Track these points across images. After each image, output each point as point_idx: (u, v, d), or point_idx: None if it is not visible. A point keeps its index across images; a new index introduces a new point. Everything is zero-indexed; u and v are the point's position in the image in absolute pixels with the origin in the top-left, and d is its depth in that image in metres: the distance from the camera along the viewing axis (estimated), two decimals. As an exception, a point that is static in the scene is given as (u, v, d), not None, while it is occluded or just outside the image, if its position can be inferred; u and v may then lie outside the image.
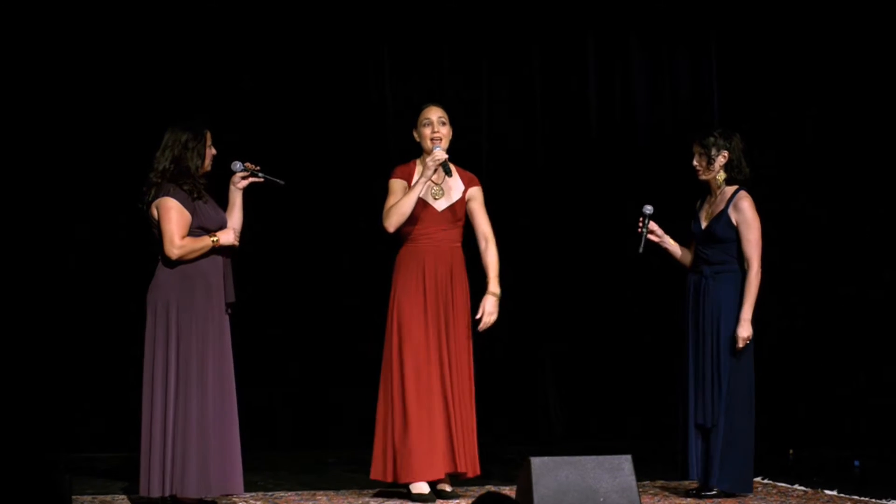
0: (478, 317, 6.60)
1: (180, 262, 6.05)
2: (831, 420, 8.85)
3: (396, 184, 6.61)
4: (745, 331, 6.57)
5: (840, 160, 8.96)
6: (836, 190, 8.97)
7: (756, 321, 6.63)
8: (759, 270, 6.63)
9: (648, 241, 6.77)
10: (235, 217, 6.27)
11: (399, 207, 6.49)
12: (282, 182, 6.25)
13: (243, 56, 8.56)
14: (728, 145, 6.69)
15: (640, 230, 6.73)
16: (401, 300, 6.56)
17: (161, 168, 6.07)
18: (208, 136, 6.17)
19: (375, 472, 6.56)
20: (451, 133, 6.65)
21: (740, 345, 6.57)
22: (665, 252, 6.86)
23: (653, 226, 6.78)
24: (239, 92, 8.53)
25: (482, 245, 6.70)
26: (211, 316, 6.09)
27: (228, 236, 6.14)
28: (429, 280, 6.53)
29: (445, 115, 6.65)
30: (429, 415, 6.43)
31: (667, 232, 6.84)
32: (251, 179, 6.26)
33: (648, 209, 6.76)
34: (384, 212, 6.54)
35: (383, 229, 6.54)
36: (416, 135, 6.68)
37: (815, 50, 8.99)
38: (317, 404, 8.69)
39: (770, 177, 8.40)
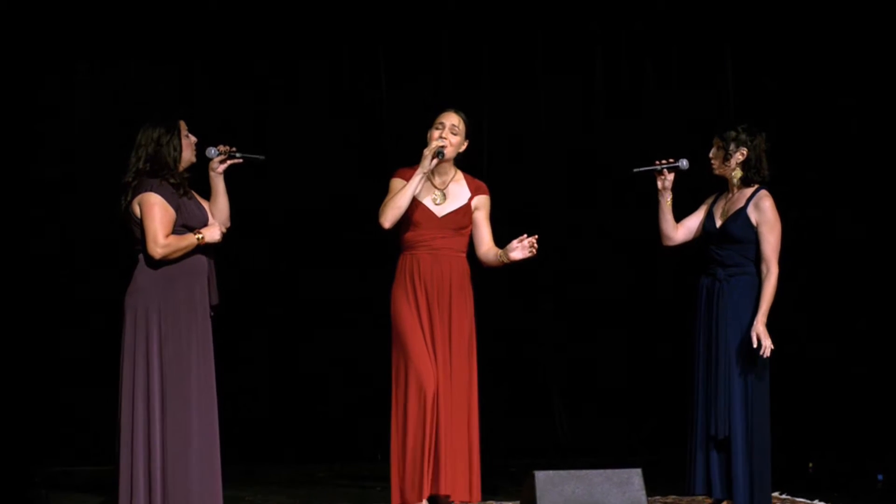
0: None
1: (163, 262, 5.83)
2: (853, 432, 8.74)
3: (396, 183, 6.40)
4: (765, 338, 6.23)
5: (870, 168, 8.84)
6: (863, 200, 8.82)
7: (777, 331, 6.38)
8: (778, 275, 6.35)
9: (650, 177, 6.50)
10: (221, 203, 6.06)
11: (395, 201, 6.27)
12: (261, 157, 6.11)
13: (240, 53, 8.58)
14: (749, 142, 6.47)
15: (658, 163, 6.48)
16: (397, 312, 6.32)
17: (135, 169, 5.89)
18: (182, 125, 5.99)
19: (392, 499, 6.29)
20: (462, 145, 6.39)
21: (763, 348, 6.22)
22: (657, 207, 6.56)
23: (670, 176, 6.51)
24: (235, 90, 8.54)
25: (483, 248, 6.39)
26: (195, 320, 5.87)
27: (214, 233, 5.93)
28: (427, 290, 6.28)
29: (461, 125, 6.38)
30: (421, 434, 6.15)
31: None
32: (229, 162, 6.08)
33: (684, 163, 6.50)
34: (380, 208, 6.30)
35: (379, 226, 6.33)
36: (428, 136, 6.43)
37: (835, 57, 8.89)
38: (308, 416, 8.61)
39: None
